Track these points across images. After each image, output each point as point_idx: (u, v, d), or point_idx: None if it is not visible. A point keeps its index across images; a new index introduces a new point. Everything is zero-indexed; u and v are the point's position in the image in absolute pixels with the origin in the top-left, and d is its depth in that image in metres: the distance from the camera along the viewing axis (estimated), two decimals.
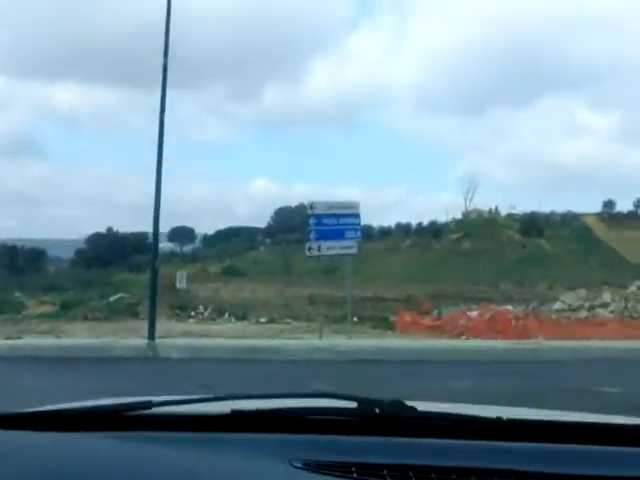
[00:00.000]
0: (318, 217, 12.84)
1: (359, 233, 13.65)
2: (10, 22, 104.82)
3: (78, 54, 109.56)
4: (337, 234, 13.07)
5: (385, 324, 21.85)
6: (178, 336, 15.97)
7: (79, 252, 78.71)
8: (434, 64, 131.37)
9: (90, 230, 78.98)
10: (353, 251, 13.56)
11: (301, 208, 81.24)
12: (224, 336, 14.43)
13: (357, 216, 13.59)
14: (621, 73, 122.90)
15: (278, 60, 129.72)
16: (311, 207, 12.83)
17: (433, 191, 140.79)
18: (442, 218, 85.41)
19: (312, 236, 12.85)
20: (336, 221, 13.04)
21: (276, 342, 11.97)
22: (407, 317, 21.52)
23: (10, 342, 12.05)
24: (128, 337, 12.69)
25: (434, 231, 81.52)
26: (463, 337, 15.91)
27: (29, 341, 12.34)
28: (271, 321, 23.89)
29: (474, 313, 20.01)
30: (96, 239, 74.53)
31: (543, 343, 11.48)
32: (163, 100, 11.31)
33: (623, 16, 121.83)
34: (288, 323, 23.07)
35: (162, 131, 11.38)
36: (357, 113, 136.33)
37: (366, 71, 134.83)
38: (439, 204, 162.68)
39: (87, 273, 56.32)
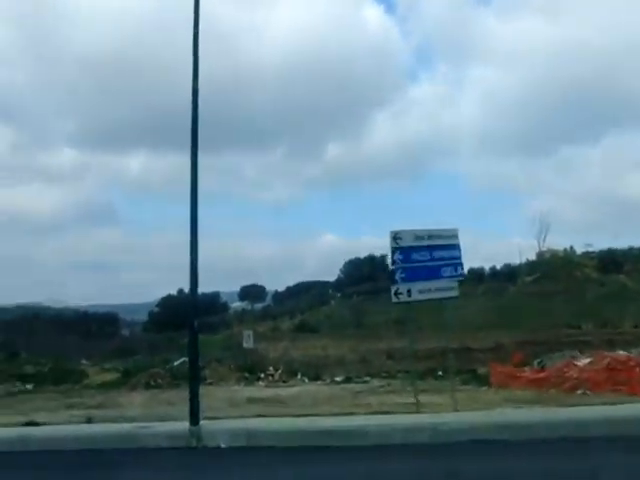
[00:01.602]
0: (405, 252, 9.80)
1: (460, 269, 10.37)
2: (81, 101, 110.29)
3: (147, 123, 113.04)
4: (432, 272, 9.98)
5: (477, 378, 20.14)
6: (243, 404, 13.56)
7: (152, 315, 78.49)
8: (496, 107, 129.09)
9: (162, 293, 79.18)
10: (454, 293, 10.30)
11: (370, 259, 79.55)
12: (294, 405, 11.67)
13: (456, 247, 10.34)
14: None
15: (339, 117, 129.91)
16: (395, 238, 9.69)
17: (504, 234, 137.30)
18: (515, 261, 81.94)
19: (398, 277, 9.69)
20: (429, 255, 9.97)
21: (359, 421, 8.80)
22: (502, 370, 19.91)
23: (23, 430, 9.60)
24: (177, 414, 9.91)
25: (508, 274, 77.98)
26: (579, 391, 13.94)
27: (46, 430, 9.84)
28: (347, 380, 21.66)
29: (585, 362, 17.39)
30: (168, 301, 73.96)
31: None
32: (195, 160, 9.94)
33: None
34: (366, 382, 20.70)
35: (196, 193, 9.92)
36: (422, 162, 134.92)
37: (429, 120, 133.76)
38: (511, 247, 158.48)
39: (158, 336, 55.59)
